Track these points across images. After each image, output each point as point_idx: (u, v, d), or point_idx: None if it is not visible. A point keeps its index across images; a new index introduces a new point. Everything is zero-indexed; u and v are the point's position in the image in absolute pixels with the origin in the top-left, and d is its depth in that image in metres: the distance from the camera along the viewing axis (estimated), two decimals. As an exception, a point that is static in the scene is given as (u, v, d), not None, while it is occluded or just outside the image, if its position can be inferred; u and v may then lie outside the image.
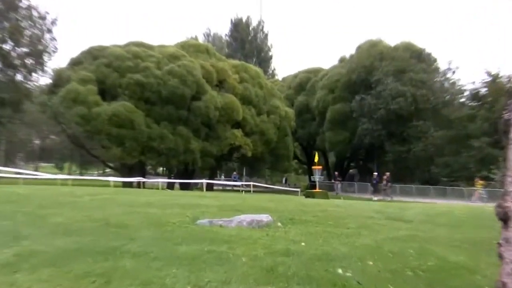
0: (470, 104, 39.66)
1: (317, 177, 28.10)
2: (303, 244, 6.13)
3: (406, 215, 11.23)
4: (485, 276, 4.90)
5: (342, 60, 46.56)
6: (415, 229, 8.30)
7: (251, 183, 35.86)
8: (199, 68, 32.51)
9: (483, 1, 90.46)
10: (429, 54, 41.72)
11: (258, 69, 40.33)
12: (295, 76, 49.97)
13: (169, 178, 36.27)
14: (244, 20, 67.89)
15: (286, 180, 54.09)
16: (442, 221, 9.90)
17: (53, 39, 36.49)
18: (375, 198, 30.22)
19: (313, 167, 30.97)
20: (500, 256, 3.03)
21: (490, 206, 13.34)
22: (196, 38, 56.29)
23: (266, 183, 46.86)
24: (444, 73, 41.59)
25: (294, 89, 48.26)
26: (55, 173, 35.58)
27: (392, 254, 5.79)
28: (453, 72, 41.57)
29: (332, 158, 48.71)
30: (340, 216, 10.07)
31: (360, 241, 6.69)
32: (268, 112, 37.55)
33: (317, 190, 26.78)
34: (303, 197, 24.70)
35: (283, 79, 55.13)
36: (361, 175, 45.40)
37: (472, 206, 18.92)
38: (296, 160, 53.95)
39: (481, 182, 29.97)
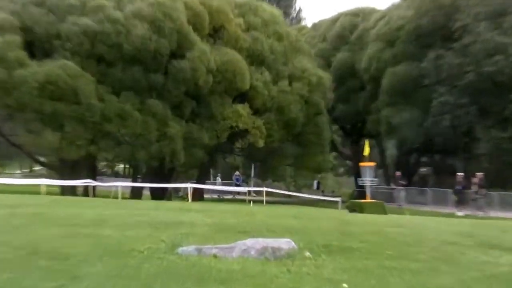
0: None
1: (367, 180, 29.03)
2: (345, 286, 6.22)
3: (508, 240, 11.57)
4: None
5: (407, -2, 48.33)
6: None
7: (264, 188, 36.39)
8: (183, 8, 32.96)
9: None
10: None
11: (275, 10, 40.93)
12: (334, 20, 51.15)
13: (134, 181, 36.36)
14: None
15: (318, 185, 55.24)
16: None
17: None
18: (460, 213, 31.62)
19: (361, 163, 31.72)
20: None
21: None
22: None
23: (288, 189, 47.89)
24: None
25: (332, 41, 49.57)
26: None
27: None
28: None
29: (392, 150, 47.97)
30: (405, 241, 10.46)
31: (437, 281, 6.81)
32: (290, 78, 38.48)
33: (367, 200, 28.34)
34: (346, 211, 26.13)
35: (314, 25, 56.76)
36: (437, 177, 45.74)
37: None
38: (335, 153, 55.46)
39: None
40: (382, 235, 10.95)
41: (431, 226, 13.73)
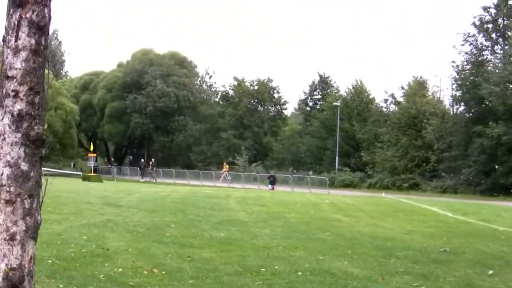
0: (221, 103, 73.00)
1: (92, 163, 51.23)
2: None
3: (124, 200, 17.81)
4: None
5: (119, 65, 74.10)
6: (117, 214, 13.50)
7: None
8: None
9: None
10: (191, 62, 72.84)
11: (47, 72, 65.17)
12: (81, 78, 77.25)
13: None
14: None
15: (74, 165, 75.28)
16: (149, 205, 16.69)
17: None
18: (142, 180, 52.58)
19: (88, 154, 55.13)
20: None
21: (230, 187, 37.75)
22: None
23: (55, 168, 66.61)
24: (202, 77, 73.04)
25: (79, 88, 74.33)
26: None
27: (63, 241, 9.16)
28: (210, 77, 73.47)
29: (112, 146, 77.76)
30: (66, 202, 15.70)
31: (52, 227, 10.52)
32: (55, 108, 60.94)
33: (92, 174, 45.14)
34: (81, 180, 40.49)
35: (71, 80, 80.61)
36: (135, 161, 70.79)
37: (210, 187, 40.64)
38: (82, 148, 77.75)
39: (227, 166, 57.60)
40: (59, 198, 17.00)
41: (93, 191, 23.32)
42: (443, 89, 50.08)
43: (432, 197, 35.52)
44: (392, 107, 54.59)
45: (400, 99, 52.54)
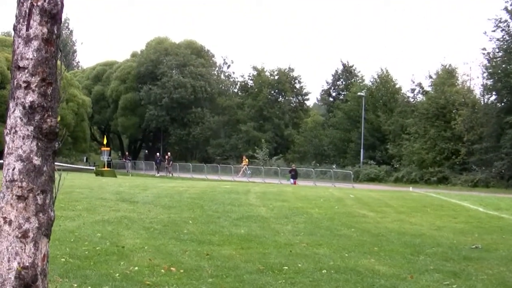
0: (240, 94, 72.75)
1: (105, 157, 51.14)
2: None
3: (140, 196, 17.81)
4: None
5: (133, 54, 74.29)
6: (132, 211, 13.72)
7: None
8: None
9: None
10: (208, 51, 72.82)
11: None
12: (93, 68, 77.26)
13: None
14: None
15: (87, 159, 76.73)
16: (165, 201, 16.68)
17: None
18: (158, 175, 52.18)
19: (101, 148, 55.53)
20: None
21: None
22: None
23: (67, 163, 67.91)
24: (220, 67, 73.12)
25: (92, 79, 74.47)
26: None
27: (77, 238, 9.36)
28: (228, 66, 73.52)
29: (126, 140, 77.88)
30: (79, 198, 15.97)
31: (65, 224, 10.73)
32: (67, 100, 60.66)
33: (106, 168, 44.92)
34: (94, 174, 41.21)
35: (83, 70, 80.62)
36: (150, 155, 71.92)
37: (229, 181, 38.67)
38: (95, 142, 79.46)
39: (246, 160, 56.94)
40: (71, 194, 17.03)
41: (107, 186, 22.48)
42: (473, 77, 49.50)
43: (462, 191, 35.31)
44: (420, 97, 54.03)
45: (428, 89, 52.00)
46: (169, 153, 59.04)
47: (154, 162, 59.13)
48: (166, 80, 67.53)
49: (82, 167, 62.60)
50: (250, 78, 71.28)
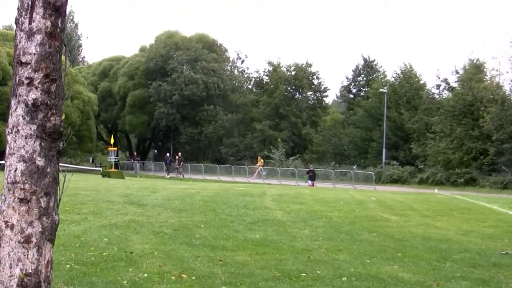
0: (255, 90, 72.48)
1: (112, 158, 51.28)
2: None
3: (149, 198, 17.94)
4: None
5: (142, 49, 74.26)
6: (141, 214, 13.83)
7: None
8: None
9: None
10: (221, 45, 72.64)
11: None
12: (99, 63, 77.22)
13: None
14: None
15: (93, 160, 77.15)
16: (176, 203, 16.72)
17: None
18: (168, 176, 52.17)
19: (108, 148, 55.58)
20: None
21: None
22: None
23: (72, 163, 67.64)
24: (234, 62, 73.07)
25: (98, 75, 74.51)
26: None
27: (82, 243, 9.27)
28: (242, 61, 73.62)
29: (134, 139, 78.05)
30: (84, 200, 16.03)
31: (70, 229, 10.81)
32: (71, 98, 60.25)
33: (113, 169, 45.04)
34: (100, 176, 41.05)
35: (89, 66, 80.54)
36: (160, 155, 71.53)
37: (244, 183, 39.59)
38: (102, 142, 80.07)
39: (261, 160, 55.87)
40: (76, 196, 17.14)
41: (115, 188, 22.71)
42: (503, 72, 48.54)
43: (491, 193, 35.10)
44: (446, 94, 53.55)
45: (455, 85, 51.56)
46: (179, 153, 59.05)
47: (164, 163, 59.08)
48: (176, 76, 67.52)
49: (88, 168, 62.78)
50: (266, 73, 71.22)
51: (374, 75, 66.07)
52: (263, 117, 67.66)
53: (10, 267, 3.35)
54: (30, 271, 3.35)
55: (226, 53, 75.16)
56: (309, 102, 72.10)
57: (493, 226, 15.02)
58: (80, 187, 21.40)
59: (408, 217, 16.60)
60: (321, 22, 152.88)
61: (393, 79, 60.52)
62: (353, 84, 69.11)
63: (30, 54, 3.40)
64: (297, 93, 70.53)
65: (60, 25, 3.50)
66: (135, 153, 71.01)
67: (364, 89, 65.62)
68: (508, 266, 9.19)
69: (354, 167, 52.55)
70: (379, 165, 52.74)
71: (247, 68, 78.11)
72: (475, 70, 48.56)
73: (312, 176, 42.24)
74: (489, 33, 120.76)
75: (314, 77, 71.35)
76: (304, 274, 7.93)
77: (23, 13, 3.45)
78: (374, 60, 67.91)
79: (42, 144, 3.40)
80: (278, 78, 68.79)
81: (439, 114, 48.44)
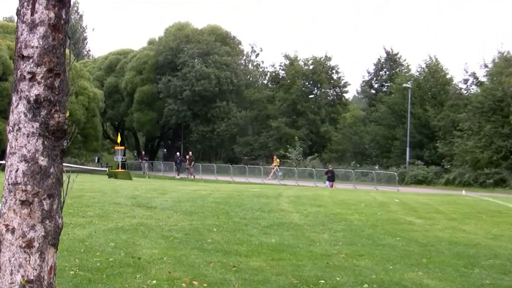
0: (270, 85, 72.15)
1: (119, 158, 51.62)
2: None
3: (158, 200, 17.92)
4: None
5: (151, 42, 74.65)
6: (149, 217, 13.91)
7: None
8: None
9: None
10: (234, 37, 72.67)
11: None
12: (106, 57, 77.51)
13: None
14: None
15: (99, 160, 77.90)
16: (187, 206, 16.71)
17: None
18: (178, 177, 52.17)
19: (115, 147, 55.59)
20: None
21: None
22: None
23: (76, 163, 68.68)
24: (248, 55, 73.12)
25: (104, 70, 74.84)
26: None
27: (87, 248, 9.31)
28: (257, 55, 73.81)
29: (142, 138, 78.17)
30: (90, 203, 16.24)
31: (74, 233, 10.86)
32: (76, 94, 60.41)
33: (120, 170, 45.07)
34: (107, 177, 40.63)
35: (95, 60, 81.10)
36: (169, 155, 72.78)
37: (258, 184, 40.07)
38: (108, 140, 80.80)
39: (277, 160, 55.61)
40: (81, 198, 17.21)
41: (121, 190, 21.57)
42: (535, 66, 48.03)
43: (523, 195, 34.51)
44: (474, 89, 53.19)
45: (483, 79, 51.15)
46: (190, 153, 58.94)
47: (173, 163, 59.34)
48: (187, 70, 67.64)
49: (93, 168, 63.21)
50: (282, 68, 71.21)
51: (398, 69, 65.88)
52: (279, 114, 67.67)
53: (11, 274, 3.34)
54: (32, 277, 3.34)
55: (240, 46, 75.54)
56: (328, 98, 72.12)
57: (525, 230, 14.77)
58: (85, 188, 21.43)
59: (433, 220, 16.47)
60: (340, 14, 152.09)
61: (417, 73, 60.29)
62: (375, 78, 68.94)
63: (33, 47, 3.39)
64: (316, 88, 70.61)
65: (64, 16, 3.49)
66: (143, 153, 71.28)
67: (387, 84, 65.34)
68: (541, 273, 9.03)
69: (376, 167, 52.41)
70: (402, 165, 52.54)
71: (262, 62, 78.27)
72: (505, 64, 48.12)
73: (331, 177, 42.08)
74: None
75: (334, 71, 71.49)
76: (323, 281, 7.90)
77: (25, 3, 3.44)
78: (398, 53, 67.78)
79: (45, 143, 3.39)
80: (295, 72, 68.76)
81: (466, 111, 48.07)
